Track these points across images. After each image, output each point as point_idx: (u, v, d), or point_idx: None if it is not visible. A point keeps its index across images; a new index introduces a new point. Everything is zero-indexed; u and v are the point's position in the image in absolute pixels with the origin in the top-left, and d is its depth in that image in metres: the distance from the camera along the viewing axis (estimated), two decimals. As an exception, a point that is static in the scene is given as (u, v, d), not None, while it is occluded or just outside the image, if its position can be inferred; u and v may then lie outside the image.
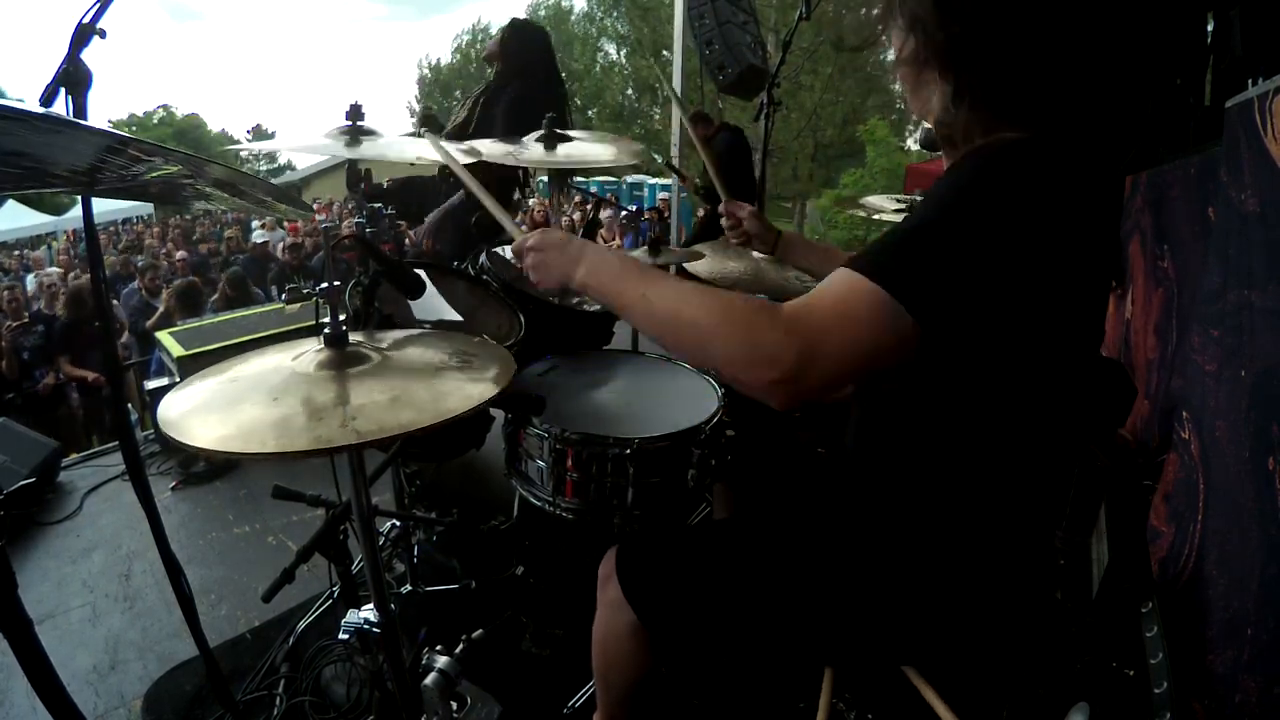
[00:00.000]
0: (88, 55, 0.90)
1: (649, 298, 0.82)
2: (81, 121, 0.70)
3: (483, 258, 1.94)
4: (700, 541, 1.11)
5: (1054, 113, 0.76)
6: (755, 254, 1.81)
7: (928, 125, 0.90)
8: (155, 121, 32.04)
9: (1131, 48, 0.76)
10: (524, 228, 1.05)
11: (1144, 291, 1.96)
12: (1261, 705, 0.99)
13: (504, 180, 3.10)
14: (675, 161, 5.80)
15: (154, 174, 0.89)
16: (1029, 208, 0.71)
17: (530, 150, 1.72)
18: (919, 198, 2.46)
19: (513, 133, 1.92)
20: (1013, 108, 0.77)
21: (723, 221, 1.57)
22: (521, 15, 3.51)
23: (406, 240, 7.25)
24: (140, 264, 6.35)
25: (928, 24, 0.77)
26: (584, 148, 1.76)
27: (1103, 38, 0.75)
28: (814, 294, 0.74)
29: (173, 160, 0.82)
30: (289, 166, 26.93)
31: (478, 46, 25.16)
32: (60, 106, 0.88)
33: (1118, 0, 0.74)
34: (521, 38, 3.15)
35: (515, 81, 3.04)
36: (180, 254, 7.67)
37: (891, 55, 0.87)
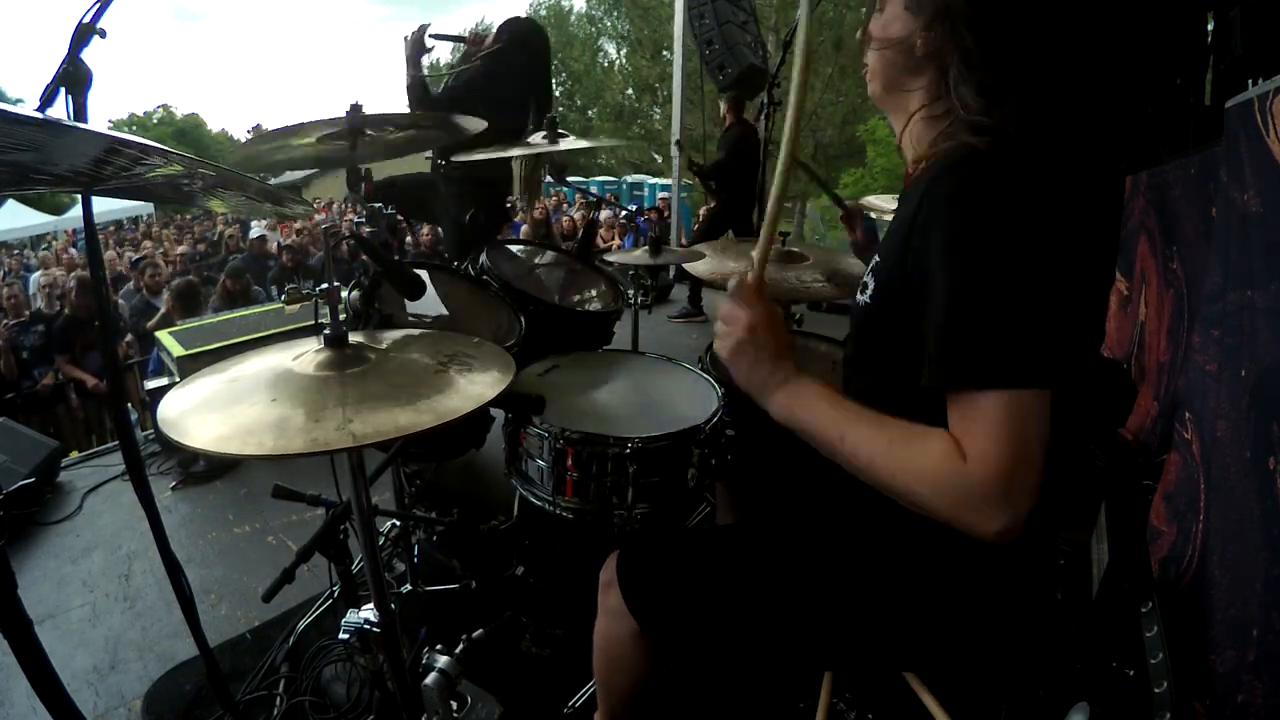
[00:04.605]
0: (88, 55, 0.90)
1: (846, 443, 0.80)
2: (77, 125, 0.70)
3: (483, 258, 1.94)
4: (701, 549, 1.11)
5: (1037, 113, 0.77)
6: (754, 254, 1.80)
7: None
8: (155, 121, 31.88)
9: (1132, 48, 0.76)
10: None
11: (1157, 294, 1.94)
12: (1267, 707, 0.99)
13: (499, 180, 3.09)
14: (676, 154, 5.89)
15: (155, 173, 0.89)
16: (1028, 224, 0.72)
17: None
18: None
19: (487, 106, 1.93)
20: (996, 110, 0.77)
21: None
22: (523, 15, 3.43)
23: (408, 238, 7.19)
24: (135, 259, 6.31)
25: (959, 16, 0.76)
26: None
27: (1092, 39, 0.75)
28: (978, 435, 0.71)
29: (172, 160, 0.82)
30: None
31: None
32: (60, 106, 0.88)
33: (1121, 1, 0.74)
34: (513, 29, 3.15)
35: (490, 61, 3.03)
36: (180, 249, 7.64)
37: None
